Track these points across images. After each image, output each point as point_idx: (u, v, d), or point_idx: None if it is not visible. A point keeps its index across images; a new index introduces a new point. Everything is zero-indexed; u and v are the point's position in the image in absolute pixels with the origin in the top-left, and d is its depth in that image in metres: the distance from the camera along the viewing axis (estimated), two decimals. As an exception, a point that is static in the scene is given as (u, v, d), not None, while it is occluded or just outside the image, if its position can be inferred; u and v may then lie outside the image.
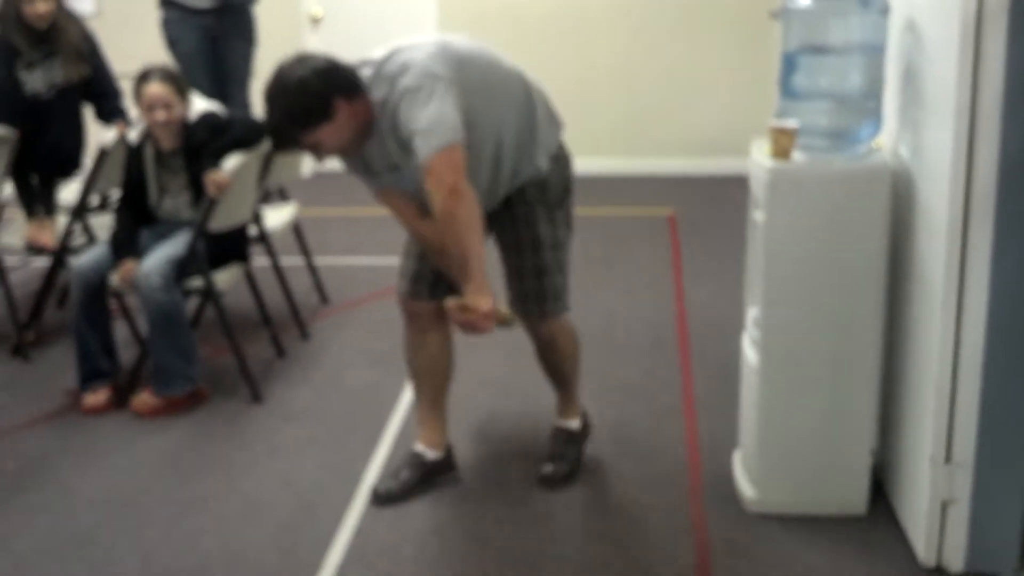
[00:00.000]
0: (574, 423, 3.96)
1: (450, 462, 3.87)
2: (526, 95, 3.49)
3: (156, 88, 4.43)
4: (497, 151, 3.43)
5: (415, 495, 3.77)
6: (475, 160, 3.32)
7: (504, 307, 3.64)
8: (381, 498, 3.73)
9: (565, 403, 3.96)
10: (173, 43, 6.55)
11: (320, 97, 3.24)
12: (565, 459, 3.86)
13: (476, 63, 3.39)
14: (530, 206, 3.54)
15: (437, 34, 3.47)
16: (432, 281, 3.63)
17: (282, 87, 3.27)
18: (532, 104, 3.50)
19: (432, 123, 3.18)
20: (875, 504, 3.59)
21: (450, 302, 3.30)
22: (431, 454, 3.81)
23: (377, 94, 3.30)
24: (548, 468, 3.82)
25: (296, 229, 5.64)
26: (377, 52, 3.35)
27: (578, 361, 3.93)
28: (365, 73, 3.32)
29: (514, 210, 3.56)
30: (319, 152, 3.36)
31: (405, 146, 3.29)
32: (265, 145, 4.70)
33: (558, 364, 3.87)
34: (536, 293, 3.62)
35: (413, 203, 3.44)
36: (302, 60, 3.31)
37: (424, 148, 3.19)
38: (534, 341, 3.80)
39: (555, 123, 3.63)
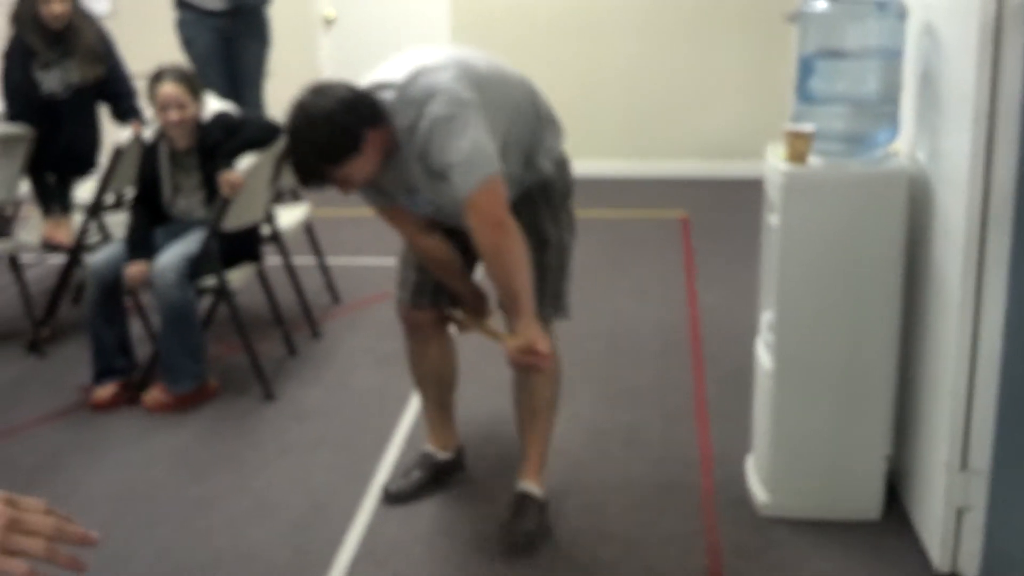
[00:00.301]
0: (535, 488, 3.57)
1: (460, 462, 3.87)
2: (533, 106, 3.42)
3: (169, 88, 4.45)
4: (503, 160, 3.31)
5: (425, 495, 3.77)
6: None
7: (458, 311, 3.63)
8: (392, 497, 3.73)
9: (529, 458, 3.59)
10: (187, 43, 6.58)
11: (349, 130, 3.09)
12: (528, 523, 3.51)
13: (492, 81, 3.28)
14: (535, 205, 3.46)
15: (449, 48, 3.40)
16: (434, 290, 3.58)
17: (307, 122, 3.10)
18: (538, 114, 3.43)
19: (470, 155, 3.06)
20: (889, 510, 3.58)
21: (510, 344, 3.21)
22: (441, 455, 3.82)
23: (402, 120, 3.15)
24: (509, 532, 3.50)
25: (308, 229, 5.65)
26: (394, 73, 3.20)
27: (555, 405, 3.60)
28: (387, 97, 3.16)
29: (517, 210, 3.45)
30: (346, 186, 3.21)
31: (434, 174, 3.16)
32: (278, 145, 4.71)
33: (535, 391, 3.53)
34: (536, 293, 3.37)
35: (417, 219, 3.40)
36: (322, 92, 3.15)
37: (464, 182, 3.07)
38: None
39: (557, 130, 3.53)
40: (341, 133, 3.08)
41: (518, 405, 3.59)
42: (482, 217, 3.11)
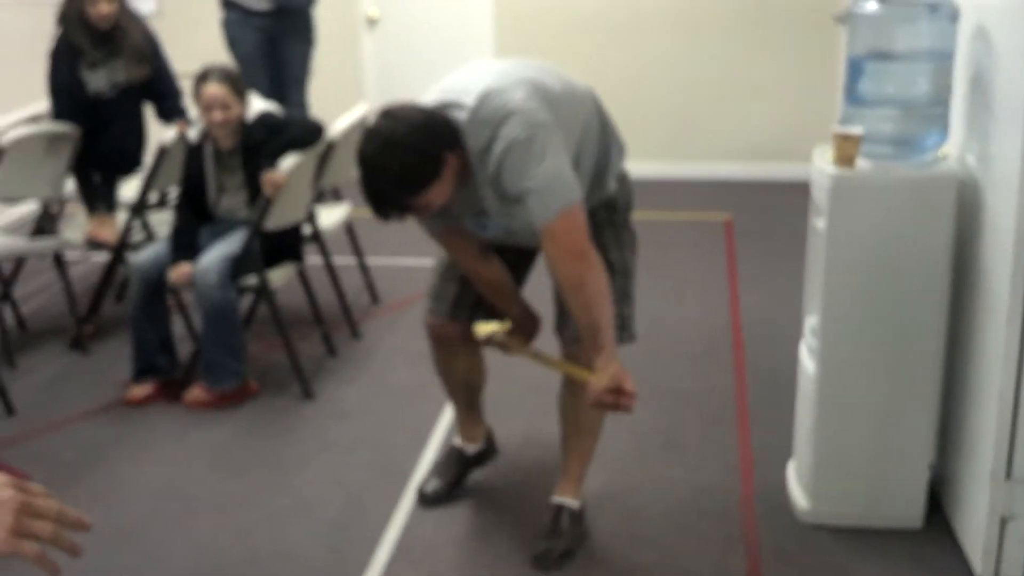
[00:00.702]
0: (573, 501, 3.55)
1: (491, 449, 3.87)
2: (599, 122, 3.30)
3: (214, 88, 4.46)
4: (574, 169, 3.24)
5: (460, 497, 3.76)
6: None
7: (489, 327, 3.53)
8: (428, 499, 3.72)
9: (569, 474, 3.55)
10: (232, 43, 6.61)
11: (429, 154, 2.93)
12: (563, 536, 3.48)
13: (563, 99, 3.12)
14: (599, 227, 3.31)
15: (513, 64, 3.19)
16: (472, 305, 3.49)
17: (386, 150, 2.92)
18: (603, 130, 3.32)
19: (549, 181, 2.93)
20: (931, 518, 3.54)
21: (596, 384, 3.03)
22: (471, 447, 3.81)
23: (475, 142, 2.99)
24: (543, 545, 3.46)
25: (349, 229, 5.64)
26: (463, 94, 3.03)
27: (601, 426, 3.54)
28: (458, 117, 3.00)
29: None
30: (424, 213, 3.07)
31: (507, 198, 3.03)
32: (320, 145, 4.72)
33: (581, 411, 3.42)
34: None
35: (474, 242, 3.31)
36: (396, 116, 2.97)
37: (543, 211, 2.95)
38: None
39: (621, 146, 3.43)
40: (422, 158, 2.93)
41: (564, 420, 3.53)
42: (562, 247, 2.99)
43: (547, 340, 3.52)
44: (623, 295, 3.40)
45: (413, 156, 2.92)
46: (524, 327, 3.51)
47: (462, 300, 3.48)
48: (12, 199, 5.38)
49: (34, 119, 5.30)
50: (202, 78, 4.49)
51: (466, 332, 3.52)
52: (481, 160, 3.02)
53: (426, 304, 3.56)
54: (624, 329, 3.41)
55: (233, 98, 4.49)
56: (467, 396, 3.76)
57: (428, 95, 3.13)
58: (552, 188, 2.95)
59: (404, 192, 2.95)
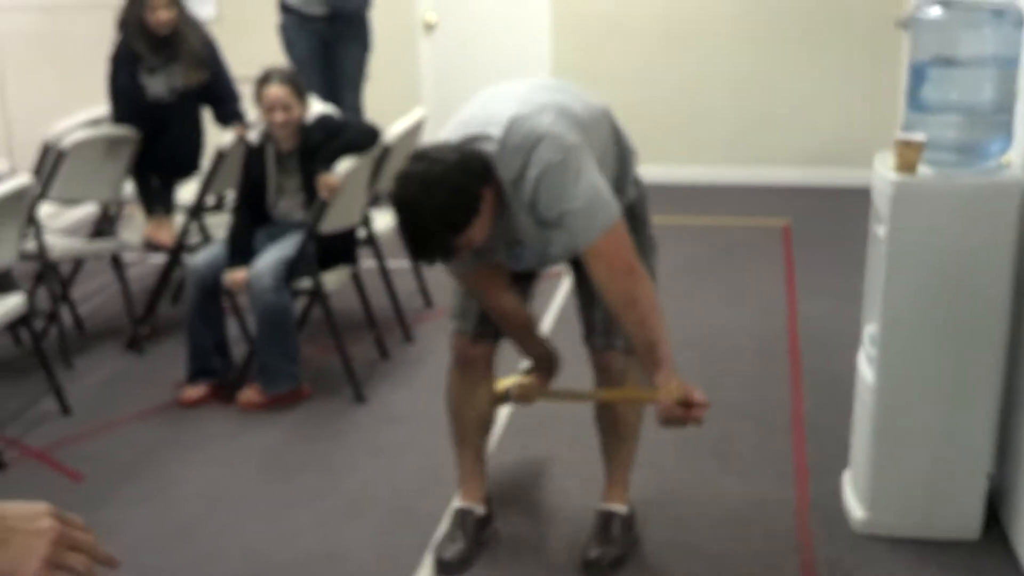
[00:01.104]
0: (622, 507, 3.51)
1: (492, 515, 3.62)
2: (615, 137, 3.25)
3: (276, 90, 4.48)
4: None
5: (503, 504, 3.73)
6: None
7: (518, 383, 3.50)
8: (449, 565, 3.41)
9: (615, 481, 3.51)
10: (289, 46, 6.66)
11: (468, 191, 2.88)
12: (614, 543, 3.44)
13: (587, 120, 3.08)
14: None
15: (531, 89, 3.14)
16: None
17: (425, 193, 2.86)
18: (619, 142, 3.26)
19: (589, 202, 2.90)
20: (988, 529, 3.49)
21: (667, 398, 2.95)
22: (479, 509, 3.54)
23: (507, 172, 2.95)
24: (594, 552, 3.40)
25: (405, 233, 5.64)
26: (488, 124, 2.99)
27: (639, 430, 3.47)
28: (488, 149, 2.96)
29: None
30: (465, 251, 3.00)
31: (545, 223, 2.99)
32: (377, 149, 4.73)
33: (620, 418, 3.42)
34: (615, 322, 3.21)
35: (501, 278, 3.25)
36: (429, 158, 2.92)
37: (587, 231, 2.92)
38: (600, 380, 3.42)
39: (632, 151, 3.35)
40: (462, 197, 2.88)
41: (603, 431, 3.48)
42: (610, 265, 2.94)
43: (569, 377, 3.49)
44: None
45: (452, 196, 2.87)
46: (544, 365, 3.48)
47: (487, 317, 3.38)
48: (72, 201, 5.43)
49: (94, 122, 5.36)
50: (264, 80, 4.52)
51: (491, 356, 3.44)
52: (515, 188, 2.98)
53: (451, 325, 3.45)
54: None
55: (294, 99, 4.51)
56: (479, 442, 3.56)
57: (449, 129, 3.09)
58: (593, 208, 2.92)
59: (447, 233, 2.90)
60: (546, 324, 4.89)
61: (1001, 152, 3.35)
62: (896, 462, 3.45)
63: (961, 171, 3.30)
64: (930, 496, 3.47)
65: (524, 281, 3.42)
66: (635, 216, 3.30)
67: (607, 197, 2.95)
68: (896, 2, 7.40)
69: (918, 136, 3.26)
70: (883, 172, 3.34)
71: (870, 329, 3.53)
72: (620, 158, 3.24)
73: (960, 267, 3.27)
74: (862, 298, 3.69)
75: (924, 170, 3.29)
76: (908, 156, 3.25)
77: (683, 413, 2.96)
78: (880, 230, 3.37)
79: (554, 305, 5.47)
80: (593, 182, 2.93)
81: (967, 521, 3.47)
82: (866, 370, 3.53)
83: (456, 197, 2.87)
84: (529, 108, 2.99)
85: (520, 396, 3.49)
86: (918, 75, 3.38)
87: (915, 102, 3.40)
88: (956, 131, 3.31)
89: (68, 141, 4.89)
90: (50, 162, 4.95)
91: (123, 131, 5.17)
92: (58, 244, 5.06)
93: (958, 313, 3.31)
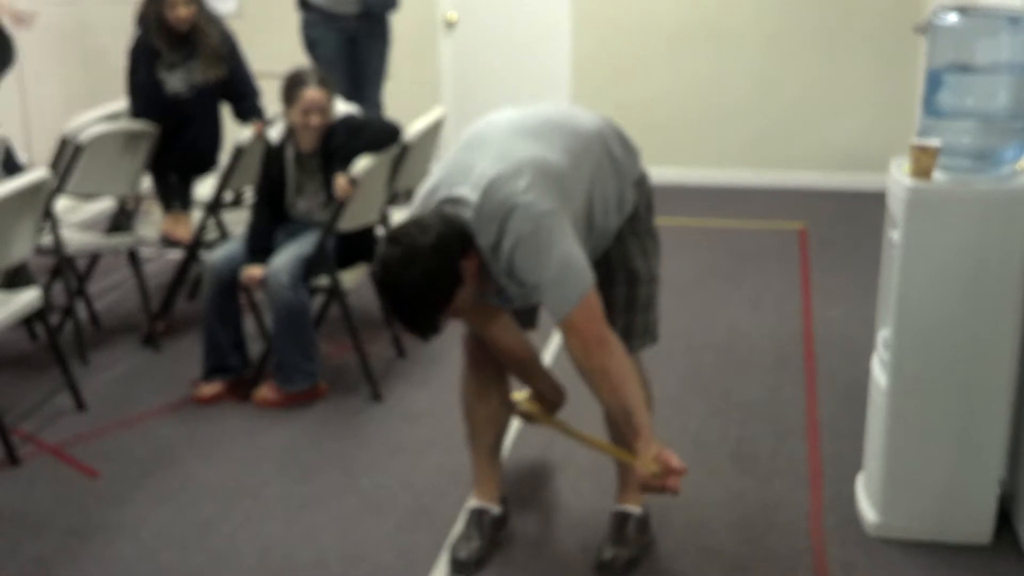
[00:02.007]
0: (637, 508, 3.52)
1: (508, 515, 3.64)
2: (610, 156, 3.23)
3: (314, 93, 4.45)
4: (588, 221, 3.19)
5: (518, 505, 3.75)
6: (581, 237, 3.10)
7: (527, 401, 3.54)
8: (464, 564, 3.43)
9: (629, 483, 3.46)
10: (312, 44, 6.66)
11: (447, 269, 2.95)
12: (628, 544, 3.47)
13: (566, 168, 3.08)
14: (623, 240, 3.30)
15: (511, 127, 3.16)
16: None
17: (405, 278, 2.94)
18: (614, 160, 3.24)
19: (561, 273, 2.94)
20: (1000, 534, 3.51)
21: (644, 470, 2.98)
22: (495, 509, 3.56)
23: (485, 238, 3.00)
24: (608, 553, 3.43)
25: (423, 232, 5.65)
26: (465, 187, 3.02)
27: (639, 388, 3.34)
28: (464, 215, 3.00)
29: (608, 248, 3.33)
30: (454, 316, 3.10)
31: (523, 285, 3.03)
32: (396, 147, 4.73)
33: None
34: (623, 327, 3.28)
35: (499, 316, 3.28)
36: (402, 242, 2.97)
37: (559, 304, 2.97)
38: None
39: (633, 155, 3.35)
40: (441, 276, 2.95)
41: (612, 428, 3.46)
42: (582, 338, 2.98)
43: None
44: (648, 302, 3.38)
45: (431, 278, 2.94)
46: (549, 401, 3.51)
47: None
48: (89, 195, 5.43)
49: (113, 117, 5.37)
50: (300, 82, 4.48)
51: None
52: (493, 254, 3.02)
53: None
54: (647, 334, 3.41)
55: (329, 102, 4.50)
56: (494, 439, 3.57)
57: (433, 179, 3.13)
58: (566, 279, 2.95)
59: (433, 310, 2.99)
60: (549, 353, 4.88)
61: (1016, 158, 3.36)
62: (909, 466, 3.47)
63: (976, 177, 3.31)
64: (943, 500, 3.49)
65: (524, 313, 3.45)
66: (637, 219, 3.32)
67: (579, 266, 2.97)
68: (915, 8, 7.40)
69: (933, 142, 3.27)
70: (898, 177, 3.35)
71: (884, 333, 3.54)
72: (618, 174, 3.25)
73: (974, 272, 3.28)
74: (877, 302, 3.70)
75: (939, 176, 3.30)
76: (923, 162, 3.26)
77: (660, 483, 2.99)
78: (895, 235, 3.38)
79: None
80: (565, 252, 2.95)
81: (979, 526, 3.49)
82: (880, 374, 3.54)
83: (434, 280, 2.94)
84: (507, 167, 3.00)
85: (526, 415, 3.56)
86: (934, 81, 3.39)
87: (931, 108, 3.41)
88: (971, 137, 3.33)
89: (86, 135, 4.90)
90: (67, 156, 4.95)
91: (141, 125, 5.18)
92: (74, 239, 5.05)
93: (971, 318, 3.32)
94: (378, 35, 6.77)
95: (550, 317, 3.05)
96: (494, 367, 3.46)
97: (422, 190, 3.17)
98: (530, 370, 3.43)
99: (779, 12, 7.94)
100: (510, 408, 3.54)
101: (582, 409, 3.61)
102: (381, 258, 3.00)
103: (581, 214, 3.12)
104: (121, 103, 5.44)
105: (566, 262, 2.95)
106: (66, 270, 5.01)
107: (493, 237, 2.99)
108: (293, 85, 4.49)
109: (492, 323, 3.29)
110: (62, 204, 5.16)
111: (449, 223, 3.00)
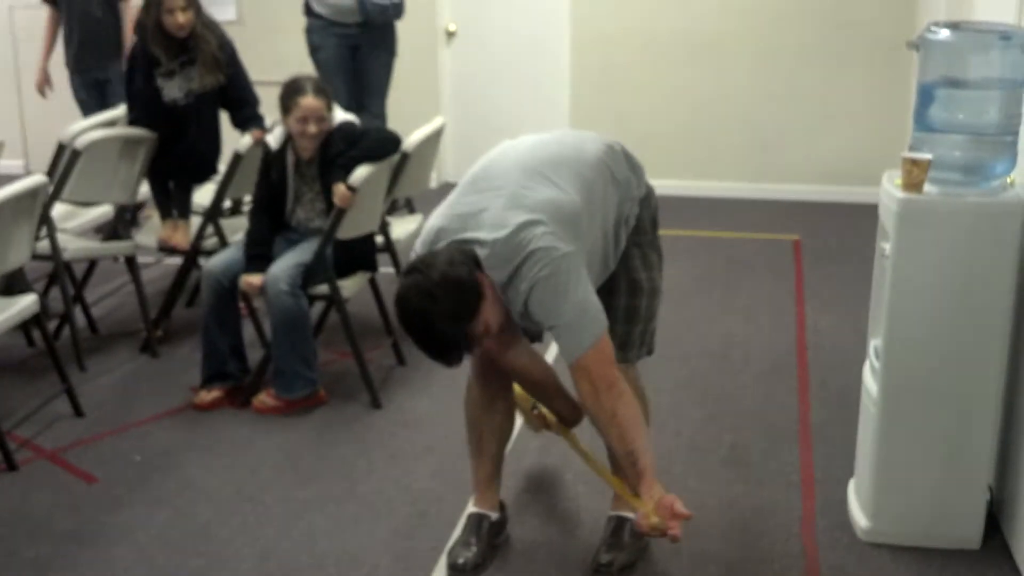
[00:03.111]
0: (632, 514, 3.37)
1: (506, 520, 3.67)
2: (613, 180, 3.26)
3: (312, 101, 4.45)
4: (604, 249, 3.25)
5: (515, 510, 3.78)
6: (591, 270, 3.13)
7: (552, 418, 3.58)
8: (462, 569, 3.46)
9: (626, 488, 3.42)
10: (315, 50, 6.68)
11: (465, 281, 2.95)
12: (624, 548, 3.50)
13: (578, 206, 3.10)
14: (626, 251, 3.35)
15: (521, 164, 3.17)
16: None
17: (428, 299, 2.93)
18: (618, 182, 3.28)
19: (576, 317, 2.98)
20: (989, 539, 3.56)
21: (646, 518, 3.01)
22: (494, 515, 3.59)
23: (498, 276, 3.02)
24: (605, 557, 3.47)
25: (420, 239, 5.68)
26: (482, 229, 3.04)
27: (645, 431, 3.33)
28: (480, 253, 3.02)
29: None
30: (488, 335, 3.06)
31: (538, 326, 3.11)
32: (395, 156, 4.75)
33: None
34: (621, 337, 3.31)
35: (517, 339, 3.29)
36: (415, 270, 2.99)
37: (573, 347, 3.00)
38: None
39: (639, 172, 3.39)
40: (461, 287, 2.94)
41: (615, 467, 3.48)
42: (593, 382, 3.02)
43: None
44: (649, 314, 3.42)
45: (452, 289, 2.93)
46: (566, 418, 3.53)
47: None
48: (86, 202, 5.40)
49: (110, 123, 5.37)
50: (297, 90, 4.47)
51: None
52: (505, 292, 3.05)
53: None
54: (644, 345, 3.45)
55: (327, 111, 4.51)
56: (498, 448, 3.58)
57: (439, 217, 3.15)
58: (581, 324, 3.00)
59: (460, 325, 2.97)
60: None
61: (1006, 173, 3.41)
62: (899, 472, 3.51)
63: (966, 190, 3.36)
64: (932, 506, 3.53)
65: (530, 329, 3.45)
66: (641, 231, 3.36)
67: (593, 311, 3.02)
68: (908, 24, 7.46)
69: (924, 155, 3.32)
70: (890, 189, 3.40)
71: (875, 342, 3.59)
72: (624, 196, 3.28)
73: (963, 284, 3.33)
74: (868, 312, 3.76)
75: (930, 189, 3.35)
76: (915, 174, 3.31)
77: (661, 530, 3.01)
78: (886, 246, 3.43)
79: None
80: (581, 296, 3.00)
81: (968, 531, 3.54)
82: (871, 382, 3.59)
83: (456, 289, 2.93)
84: (522, 214, 3.02)
85: (543, 422, 3.62)
86: (926, 95, 3.43)
87: (923, 122, 3.45)
88: (962, 151, 3.37)
89: (83, 140, 4.87)
90: (64, 161, 4.94)
91: (139, 132, 5.16)
92: (71, 245, 5.04)
93: (961, 328, 3.37)
94: (382, 45, 6.78)
95: (562, 357, 3.08)
96: (501, 379, 3.48)
97: (423, 234, 3.17)
98: (547, 390, 3.45)
99: (775, 27, 7.99)
100: (530, 412, 3.54)
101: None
102: (400, 291, 3.00)
103: (598, 246, 3.17)
104: (120, 109, 5.44)
105: (582, 307, 2.99)
106: (63, 276, 5.01)
107: (507, 277, 3.01)
108: (290, 94, 4.48)
109: (506, 348, 3.29)
110: (61, 210, 5.17)
111: (457, 247, 3.03)
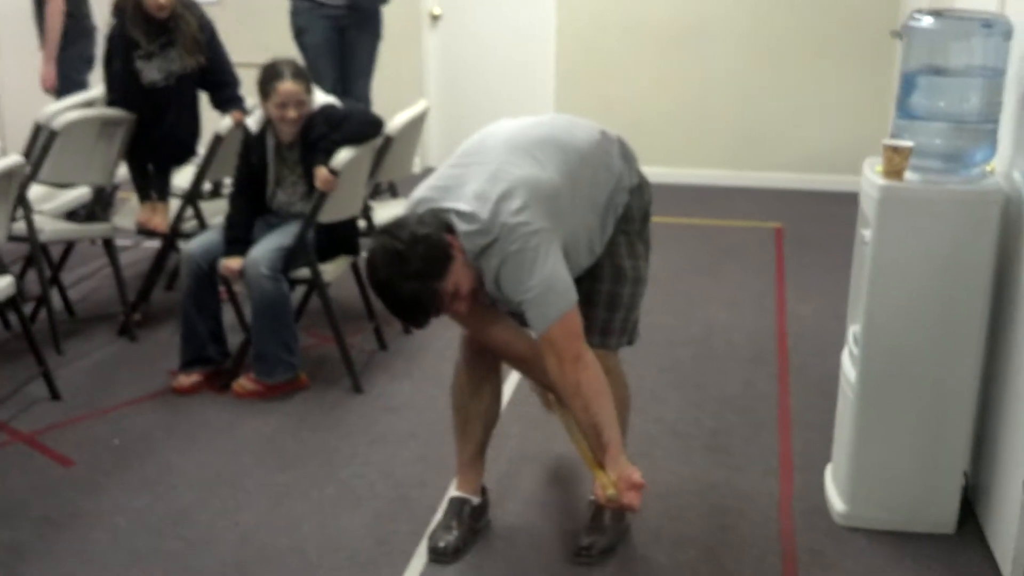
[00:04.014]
0: None
1: (487, 505, 3.68)
2: (606, 167, 3.28)
3: (291, 85, 4.42)
4: (589, 235, 3.26)
5: (499, 493, 3.80)
6: (574, 253, 3.18)
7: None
8: (443, 552, 3.47)
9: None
10: (300, 32, 6.64)
11: (434, 239, 3.01)
12: (605, 532, 3.53)
13: (562, 185, 3.13)
14: (613, 238, 3.34)
15: (511, 142, 3.19)
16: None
17: (397, 257, 2.99)
18: (609, 164, 3.30)
19: (544, 291, 3.01)
20: (964, 524, 3.59)
21: (603, 490, 3.06)
22: (476, 500, 3.61)
23: (471, 246, 3.05)
24: (586, 540, 3.49)
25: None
26: (458, 199, 3.08)
27: (626, 429, 3.48)
28: (457, 222, 3.06)
29: None
30: (458, 300, 3.09)
31: (509, 300, 3.11)
32: (378, 140, 4.74)
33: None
34: (602, 323, 3.35)
35: (490, 312, 3.30)
36: (386, 231, 3.06)
37: (540, 320, 3.03)
38: None
39: (631, 161, 3.40)
40: (430, 244, 3.00)
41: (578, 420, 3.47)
42: (559, 354, 3.05)
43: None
44: (632, 302, 3.42)
45: (421, 249, 2.98)
46: (556, 394, 3.49)
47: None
48: (63, 184, 5.36)
49: (88, 103, 5.33)
50: (275, 74, 4.44)
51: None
52: (477, 261, 3.07)
53: None
54: (625, 334, 3.45)
55: (306, 94, 4.49)
56: (483, 436, 3.59)
57: (423, 188, 3.19)
58: (547, 299, 3.02)
59: (428, 283, 3.01)
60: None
61: (985, 160, 3.42)
62: (875, 457, 3.54)
63: (946, 178, 3.37)
64: (908, 490, 3.56)
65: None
66: (629, 220, 3.36)
67: (562, 287, 3.03)
68: (892, 13, 7.48)
69: (905, 143, 3.33)
70: (871, 177, 3.41)
71: (854, 329, 3.61)
72: (613, 178, 3.29)
73: (942, 271, 3.35)
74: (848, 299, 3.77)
75: (911, 176, 3.36)
76: (895, 162, 3.32)
77: (617, 502, 3.07)
78: (866, 233, 3.45)
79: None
80: (549, 272, 3.01)
81: (944, 515, 3.56)
82: (849, 368, 3.61)
83: (424, 246, 2.99)
84: (501, 187, 3.05)
85: (544, 397, 3.63)
86: (908, 84, 3.45)
87: (904, 110, 3.46)
88: (943, 139, 3.38)
89: (60, 121, 4.84)
90: (41, 142, 4.90)
91: (117, 113, 5.12)
92: (48, 226, 4.99)
93: (939, 315, 3.39)
94: (368, 29, 6.76)
95: (533, 332, 3.10)
96: (489, 363, 3.50)
97: (410, 199, 3.21)
98: (530, 365, 3.42)
99: (760, 15, 8.01)
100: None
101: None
102: (371, 252, 3.06)
103: (582, 229, 3.18)
104: (98, 89, 5.40)
105: (549, 282, 3.01)
106: (39, 258, 4.96)
107: (479, 248, 3.04)
108: (268, 79, 4.45)
109: (484, 319, 3.32)
110: (38, 192, 5.13)
111: (428, 212, 3.09)
